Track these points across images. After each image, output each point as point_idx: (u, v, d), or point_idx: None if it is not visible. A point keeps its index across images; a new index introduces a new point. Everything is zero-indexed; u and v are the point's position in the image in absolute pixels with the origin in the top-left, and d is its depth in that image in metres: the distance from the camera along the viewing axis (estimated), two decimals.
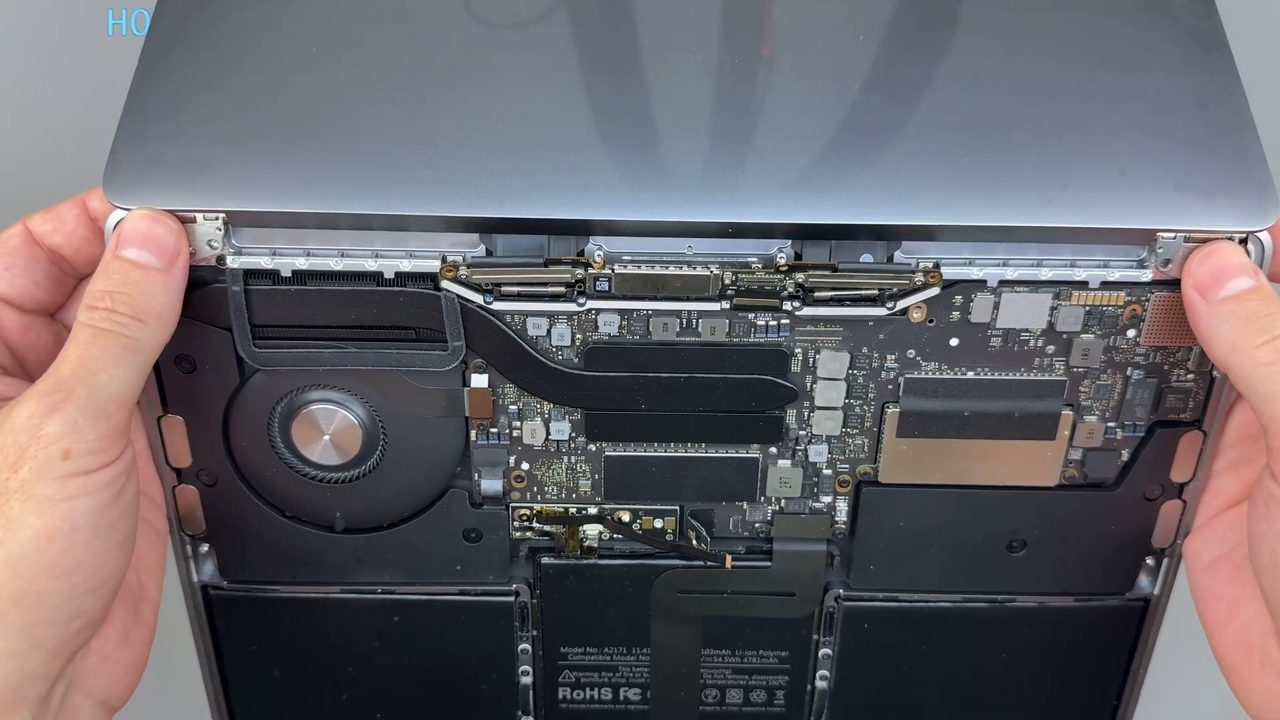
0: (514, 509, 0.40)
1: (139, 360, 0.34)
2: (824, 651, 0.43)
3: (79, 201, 0.37)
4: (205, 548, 0.41)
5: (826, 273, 0.35)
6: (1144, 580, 0.41)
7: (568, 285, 0.36)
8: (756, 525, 0.41)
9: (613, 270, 0.35)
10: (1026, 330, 0.36)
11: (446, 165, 0.35)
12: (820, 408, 0.38)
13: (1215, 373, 0.37)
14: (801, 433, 0.39)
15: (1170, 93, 0.36)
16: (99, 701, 0.36)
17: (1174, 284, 0.35)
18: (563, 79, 0.36)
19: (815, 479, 0.39)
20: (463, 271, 0.35)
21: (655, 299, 0.36)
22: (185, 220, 0.34)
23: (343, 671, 0.43)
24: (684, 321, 0.36)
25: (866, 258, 0.36)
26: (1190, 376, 0.37)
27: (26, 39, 0.46)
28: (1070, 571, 0.41)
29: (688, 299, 0.36)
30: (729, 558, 0.40)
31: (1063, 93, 0.36)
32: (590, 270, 0.35)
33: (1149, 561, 0.41)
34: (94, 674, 0.36)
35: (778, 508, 0.40)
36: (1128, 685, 0.44)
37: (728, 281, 0.36)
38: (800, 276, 0.35)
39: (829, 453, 0.39)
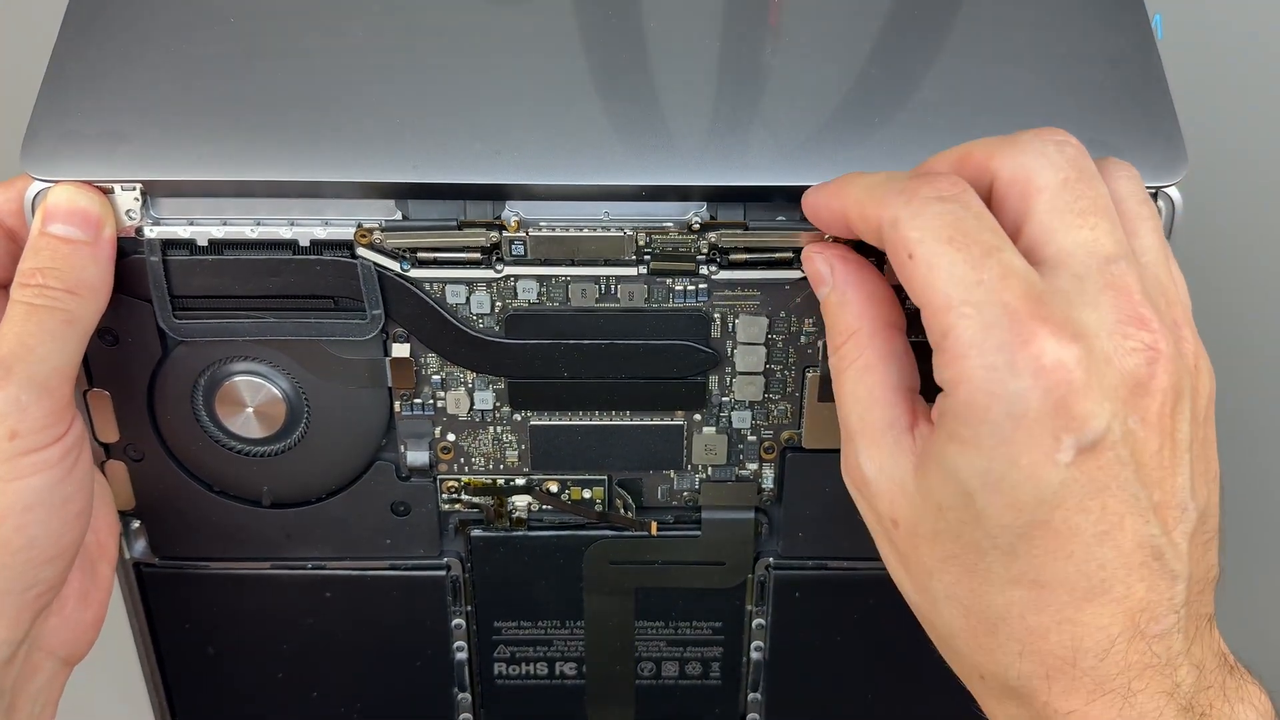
0: (442, 481, 0.40)
1: (76, 333, 0.34)
2: (757, 622, 0.43)
3: (25, 176, 0.37)
4: (136, 524, 0.41)
5: (738, 232, 0.35)
6: None
7: (484, 250, 0.36)
8: (685, 494, 0.41)
9: (528, 234, 0.35)
10: None
11: (361, 132, 0.35)
12: (741, 373, 0.38)
13: None
14: (725, 399, 0.39)
15: (1082, 50, 0.36)
16: (60, 658, 0.37)
17: None
18: (476, 44, 0.37)
19: (740, 446, 0.40)
20: (377, 237, 0.35)
21: (572, 264, 0.36)
22: (104, 191, 0.35)
23: (278, 648, 0.43)
24: (602, 288, 0.37)
25: (781, 221, 0.36)
26: None
27: None
28: None
29: (605, 263, 0.36)
30: (654, 524, 0.41)
31: (975, 52, 0.36)
32: (505, 234, 0.35)
33: None
34: (54, 634, 0.37)
35: (705, 476, 0.40)
36: None
37: (642, 243, 0.36)
38: (713, 236, 0.35)
39: (753, 419, 0.39)
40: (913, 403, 0.32)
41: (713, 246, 0.36)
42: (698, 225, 0.35)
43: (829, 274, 0.34)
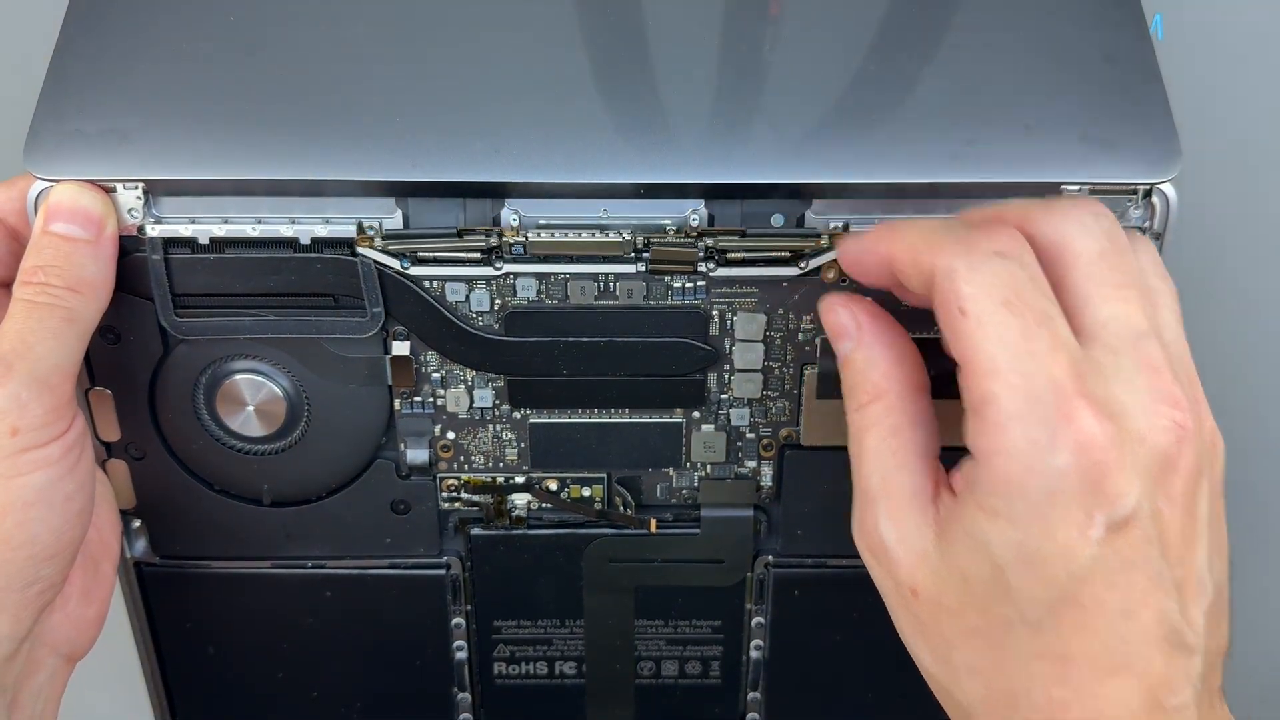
0: (441, 479, 0.40)
1: (76, 330, 0.34)
2: (757, 620, 0.43)
3: (27, 175, 0.37)
4: (137, 523, 0.41)
5: (735, 238, 0.36)
6: None
7: (483, 251, 0.36)
8: (684, 492, 0.41)
9: (526, 236, 0.36)
10: None
11: (361, 130, 0.35)
12: (740, 370, 0.38)
13: None
14: (723, 396, 0.39)
15: (1078, 47, 0.36)
16: (62, 655, 0.37)
17: None
18: (475, 42, 0.37)
19: (739, 443, 0.40)
20: (377, 242, 0.36)
21: (571, 261, 0.36)
22: (106, 190, 0.35)
23: (278, 647, 0.43)
24: (601, 285, 0.37)
25: (778, 218, 0.36)
26: None
27: None
28: None
29: (604, 260, 0.36)
30: (653, 521, 0.41)
31: (971, 48, 0.36)
32: (504, 239, 0.36)
33: None
34: (56, 630, 0.37)
35: (704, 473, 0.40)
36: None
37: (640, 245, 0.36)
38: (709, 241, 0.36)
39: (751, 416, 0.39)
40: (936, 470, 0.32)
41: (709, 248, 0.36)
42: (696, 231, 0.35)
43: (854, 329, 0.33)
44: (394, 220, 0.36)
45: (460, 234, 0.36)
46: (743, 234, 0.36)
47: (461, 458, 0.40)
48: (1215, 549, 0.31)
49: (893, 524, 0.32)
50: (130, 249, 0.36)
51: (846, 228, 0.36)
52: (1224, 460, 0.32)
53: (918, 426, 0.32)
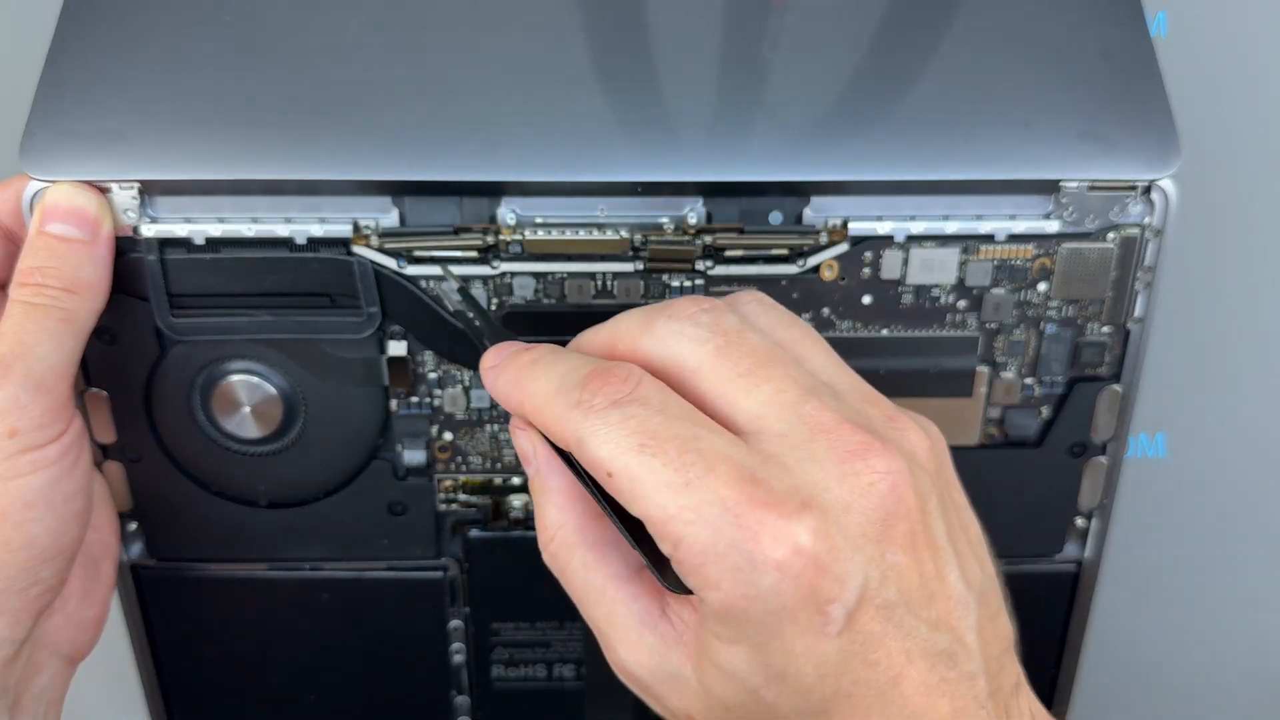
0: (439, 480, 0.40)
1: (73, 330, 0.34)
2: None
3: (22, 176, 0.37)
4: (133, 526, 0.41)
5: (734, 235, 0.35)
6: (1072, 545, 0.41)
7: (480, 250, 0.36)
8: None
9: (523, 235, 0.36)
10: (937, 286, 0.36)
11: (356, 129, 0.35)
12: None
13: (1130, 325, 0.37)
14: None
15: (1078, 44, 0.36)
16: (63, 657, 0.37)
17: (1082, 236, 0.35)
18: (471, 41, 0.37)
19: None
20: (374, 241, 0.36)
21: (569, 260, 0.36)
22: (102, 190, 0.35)
23: (275, 650, 0.43)
24: (599, 284, 0.37)
25: (776, 216, 0.36)
26: (1105, 330, 0.37)
27: None
28: (996, 534, 0.41)
29: (601, 259, 0.36)
30: None
31: (971, 45, 0.36)
32: (501, 237, 0.36)
33: (1079, 524, 0.41)
34: (57, 632, 0.37)
35: None
36: (1065, 655, 0.44)
37: (638, 243, 0.36)
38: (708, 239, 0.36)
39: None
40: (651, 589, 0.30)
41: (707, 246, 0.36)
42: (694, 229, 0.35)
43: (532, 455, 0.31)
44: (390, 219, 0.36)
45: (457, 232, 0.36)
46: (741, 231, 0.36)
47: (459, 459, 0.40)
48: (966, 555, 0.30)
49: (636, 660, 0.30)
50: (126, 250, 0.36)
51: (845, 225, 0.35)
52: (943, 448, 0.30)
53: (608, 548, 0.31)
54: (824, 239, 0.35)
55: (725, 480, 0.27)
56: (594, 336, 0.31)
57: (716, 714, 0.29)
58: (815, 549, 0.27)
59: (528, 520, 0.41)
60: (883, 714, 0.28)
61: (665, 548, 0.28)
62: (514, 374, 0.31)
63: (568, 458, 0.30)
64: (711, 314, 0.29)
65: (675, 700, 0.30)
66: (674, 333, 0.29)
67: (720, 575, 0.27)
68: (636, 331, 0.30)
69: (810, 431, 0.28)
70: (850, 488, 0.28)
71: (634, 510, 0.28)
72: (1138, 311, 0.37)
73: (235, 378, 0.38)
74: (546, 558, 0.32)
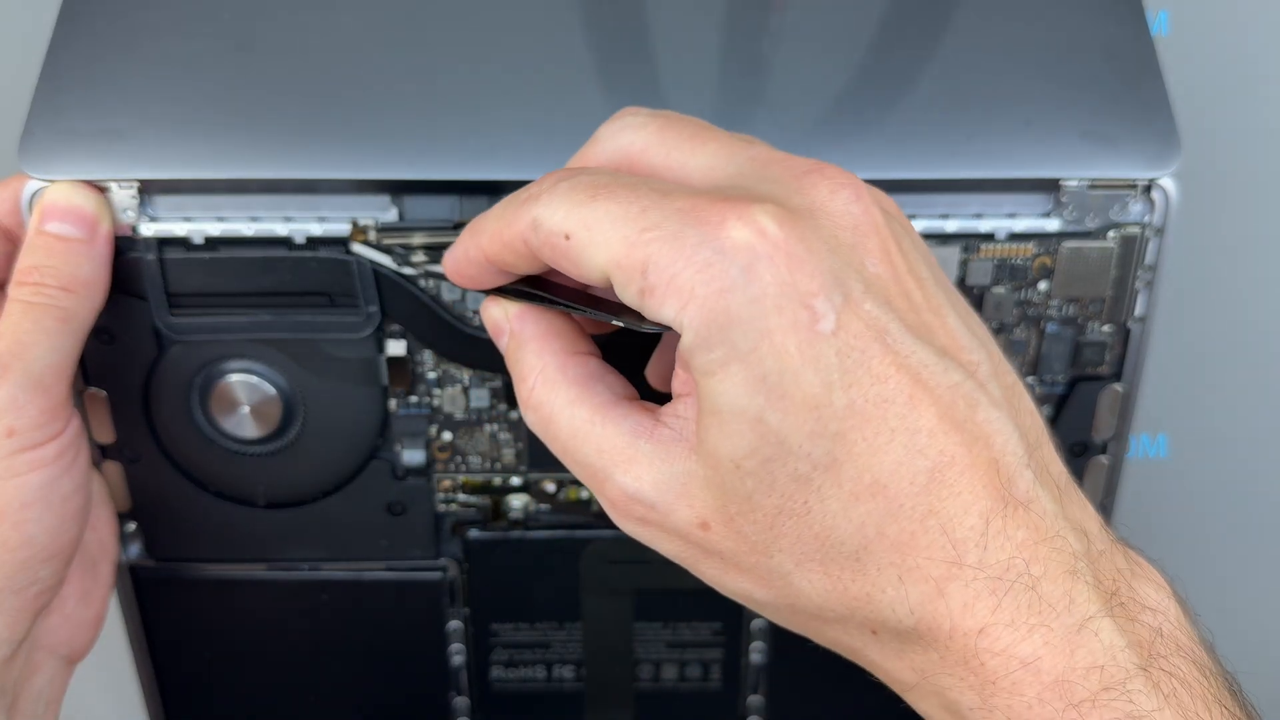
0: (438, 480, 0.40)
1: (72, 330, 0.34)
2: (757, 623, 0.43)
3: (21, 175, 0.37)
4: (132, 526, 0.41)
5: None
6: None
7: None
8: None
9: None
10: None
11: (356, 128, 0.35)
12: None
13: (1131, 325, 0.37)
14: None
15: (1078, 42, 0.36)
16: (61, 657, 0.37)
17: (1083, 235, 0.35)
18: (470, 39, 0.37)
19: None
20: (372, 236, 0.36)
21: None
22: (100, 189, 0.35)
23: (273, 651, 0.43)
24: None
25: None
26: (1106, 329, 0.37)
27: None
28: None
29: None
30: None
31: (971, 43, 0.36)
32: None
33: None
34: (55, 632, 0.37)
35: None
36: None
37: None
38: None
39: None
40: (643, 406, 0.29)
41: None
42: None
43: (503, 318, 0.31)
44: (389, 218, 0.36)
45: (457, 227, 0.36)
46: None
47: (458, 459, 0.40)
48: (965, 315, 0.28)
49: (635, 474, 0.28)
50: (125, 249, 0.36)
51: None
52: (909, 221, 0.29)
53: (593, 382, 0.29)
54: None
55: (681, 197, 0.27)
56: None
57: (729, 488, 0.27)
58: (782, 235, 0.26)
59: (527, 521, 0.41)
60: (906, 442, 0.26)
61: (635, 283, 0.26)
62: (469, 230, 0.31)
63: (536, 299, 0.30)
64: (646, 111, 0.30)
65: (686, 509, 0.28)
66: (615, 130, 0.30)
67: (693, 279, 0.26)
68: (582, 149, 0.31)
69: (763, 164, 0.28)
70: (811, 198, 0.27)
71: (599, 268, 0.27)
72: (1139, 310, 0.37)
73: (234, 377, 0.38)
74: (529, 412, 0.30)
